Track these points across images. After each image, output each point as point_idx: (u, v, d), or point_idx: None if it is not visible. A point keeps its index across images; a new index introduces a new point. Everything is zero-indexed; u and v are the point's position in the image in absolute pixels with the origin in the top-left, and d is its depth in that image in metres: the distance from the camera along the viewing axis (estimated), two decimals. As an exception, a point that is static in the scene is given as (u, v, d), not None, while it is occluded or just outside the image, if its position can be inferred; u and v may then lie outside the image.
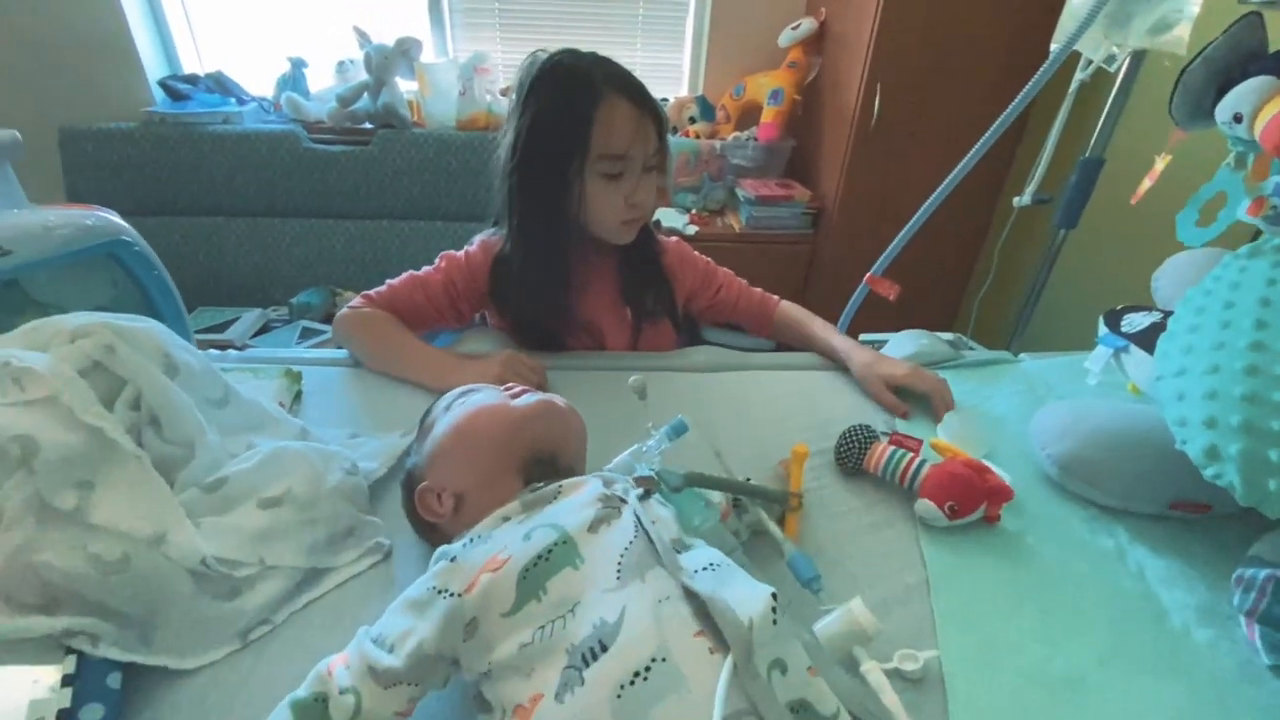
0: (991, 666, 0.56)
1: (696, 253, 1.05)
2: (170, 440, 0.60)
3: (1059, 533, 0.70)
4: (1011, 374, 0.98)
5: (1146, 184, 0.81)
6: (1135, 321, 0.80)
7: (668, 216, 2.07)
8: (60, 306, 0.69)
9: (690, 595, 0.42)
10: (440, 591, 0.45)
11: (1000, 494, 0.68)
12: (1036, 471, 0.78)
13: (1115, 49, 1.07)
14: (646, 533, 0.47)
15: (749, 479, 0.68)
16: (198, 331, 1.81)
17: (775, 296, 1.08)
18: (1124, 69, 1.09)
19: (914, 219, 1.30)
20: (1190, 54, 0.67)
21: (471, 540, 0.49)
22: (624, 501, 0.50)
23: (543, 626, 0.42)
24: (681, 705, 0.37)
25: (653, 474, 0.55)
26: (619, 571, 0.44)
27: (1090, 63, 1.10)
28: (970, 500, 0.68)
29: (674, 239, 1.02)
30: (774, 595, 0.42)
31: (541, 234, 0.88)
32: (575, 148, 0.80)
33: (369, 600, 0.60)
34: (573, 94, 0.79)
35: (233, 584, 0.55)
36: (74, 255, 0.66)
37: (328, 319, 2.00)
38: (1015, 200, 1.33)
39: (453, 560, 0.47)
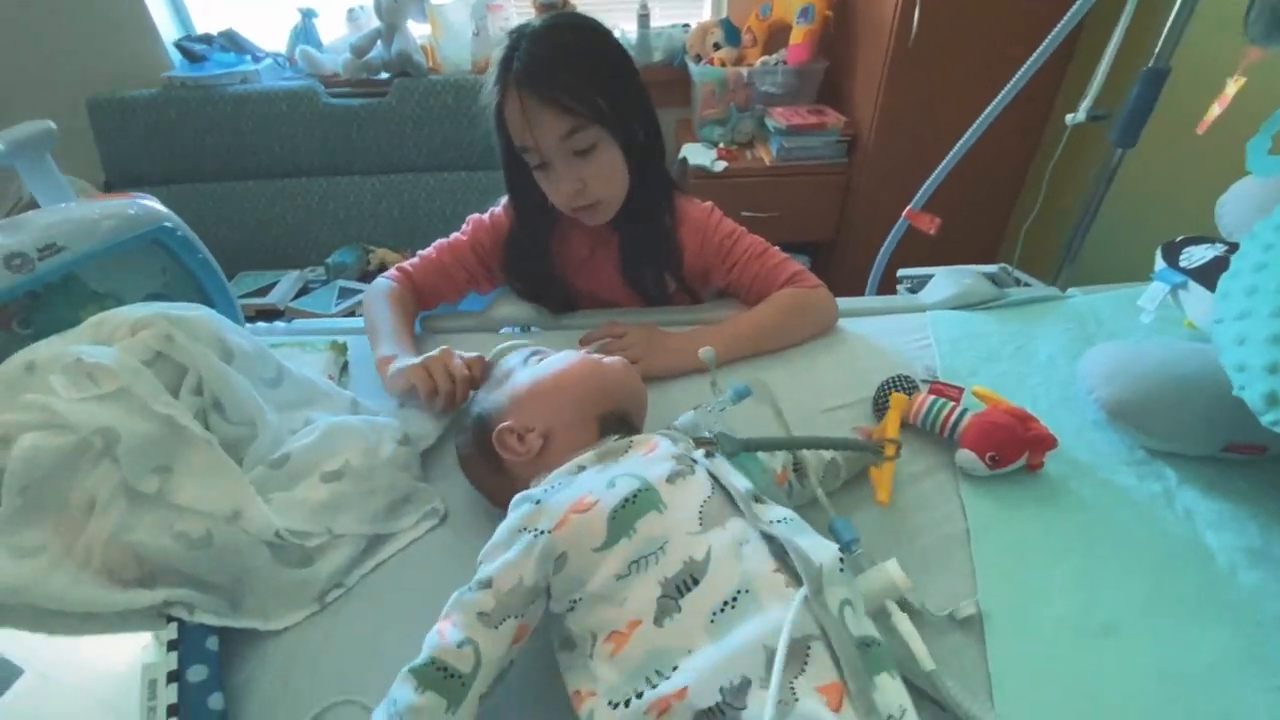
0: (1031, 614, 0.57)
1: (725, 224, 0.93)
2: (234, 421, 0.63)
3: (1105, 478, 0.69)
4: (1059, 311, 0.95)
5: (1215, 110, 0.75)
6: (1196, 255, 0.76)
7: (694, 153, 2.00)
8: (117, 295, 0.72)
9: (767, 539, 0.47)
10: (529, 530, 0.49)
11: (1043, 442, 0.67)
12: (1083, 414, 0.76)
13: (1186, -58, 0.97)
14: (723, 487, 0.51)
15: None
16: (241, 296, 1.86)
17: (793, 275, 0.91)
18: (1195, -35, 0.98)
19: (956, 147, 1.23)
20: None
21: (552, 486, 0.52)
22: (694, 461, 0.54)
23: (635, 561, 0.46)
24: (762, 625, 0.41)
25: (711, 436, 0.57)
26: (701, 518, 0.48)
27: (1157, -40, 1.00)
28: (1012, 450, 0.67)
29: (707, 206, 0.94)
30: (840, 549, 0.46)
31: (521, 209, 0.91)
32: (506, 141, 0.82)
33: (430, 561, 0.64)
34: (492, 90, 0.79)
35: (305, 552, 0.59)
36: (122, 245, 0.69)
37: (363, 277, 2.03)
38: (1068, 117, 1.24)
39: (537, 503, 0.50)
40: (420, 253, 0.96)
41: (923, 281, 1.53)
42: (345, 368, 0.88)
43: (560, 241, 0.95)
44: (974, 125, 1.18)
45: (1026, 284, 1.50)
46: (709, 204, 0.95)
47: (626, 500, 0.48)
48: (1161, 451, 0.71)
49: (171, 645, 0.51)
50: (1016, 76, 1.10)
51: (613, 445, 0.57)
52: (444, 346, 0.74)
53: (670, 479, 0.51)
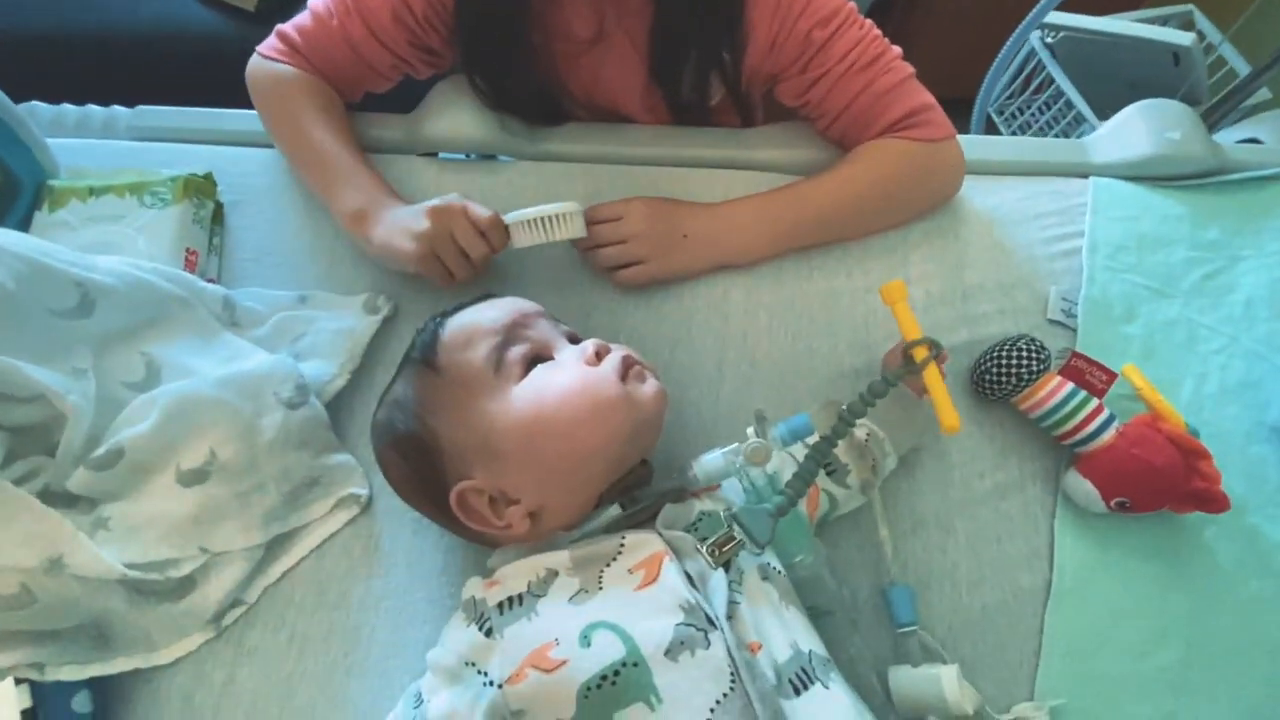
0: (1099, 722, 0.46)
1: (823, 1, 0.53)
2: (24, 397, 0.42)
3: (1255, 525, 0.51)
4: (1293, 203, 0.62)
5: None
6: None
7: None
8: None
9: None
10: (475, 667, 0.37)
11: (1208, 503, 0.47)
12: (1261, 414, 0.54)
13: None
14: (745, 686, 0.34)
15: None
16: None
17: (910, 113, 0.56)
18: None
19: None
20: None
21: (510, 605, 0.38)
22: (710, 622, 0.35)
23: None
24: None
25: (730, 528, 0.38)
26: None
27: None
28: (1154, 502, 0.48)
29: None
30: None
31: None
32: None
33: (353, 566, 0.50)
34: None
35: (175, 584, 0.45)
36: None
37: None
38: None
39: (488, 634, 0.37)
40: (313, 5, 0.57)
41: (1071, 42, 1.06)
42: (219, 214, 0.60)
43: (549, 6, 0.56)
44: None
45: (1216, 59, 1.04)
46: None
47: (605, 676, 0.33)
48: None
49: (27, 716, 0.41)
50: None
51: (598, 548, 0.39)
52: (451, 199, 0.51)
53: (671, 651, 0.34)
